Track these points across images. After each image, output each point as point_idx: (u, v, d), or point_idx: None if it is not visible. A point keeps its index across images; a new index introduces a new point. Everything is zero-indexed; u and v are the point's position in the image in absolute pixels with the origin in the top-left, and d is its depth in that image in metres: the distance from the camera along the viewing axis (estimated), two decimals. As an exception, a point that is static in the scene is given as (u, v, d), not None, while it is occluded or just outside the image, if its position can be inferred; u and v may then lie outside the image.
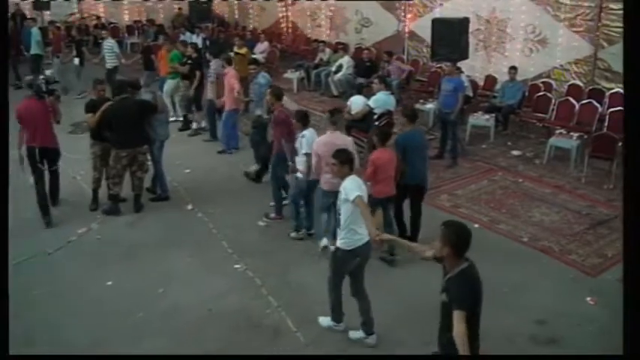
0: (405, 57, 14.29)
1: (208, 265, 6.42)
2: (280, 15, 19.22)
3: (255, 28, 19.96)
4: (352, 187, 4.81)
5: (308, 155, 6.53)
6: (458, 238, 3.49)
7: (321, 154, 6.18)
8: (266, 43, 16.00)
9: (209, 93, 10.54)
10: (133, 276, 6.22)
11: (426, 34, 13.74)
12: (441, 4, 13.47)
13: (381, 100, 8.71)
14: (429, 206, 7.31)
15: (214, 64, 10.60)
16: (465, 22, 9.49)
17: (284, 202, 7.51)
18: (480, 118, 10.39)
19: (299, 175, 6.80)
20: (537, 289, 5.93)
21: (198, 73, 11.09)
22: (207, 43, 16.65)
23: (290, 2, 18.73)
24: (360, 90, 9.95)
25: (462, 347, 3.33)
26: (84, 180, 8.63)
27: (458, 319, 3.36)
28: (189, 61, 11.22)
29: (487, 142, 10.36)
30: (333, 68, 13.85)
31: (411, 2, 14.15)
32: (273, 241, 6.94)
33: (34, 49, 14.27)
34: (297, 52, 17.58)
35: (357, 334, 5.15)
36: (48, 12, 17.99)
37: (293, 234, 7.05)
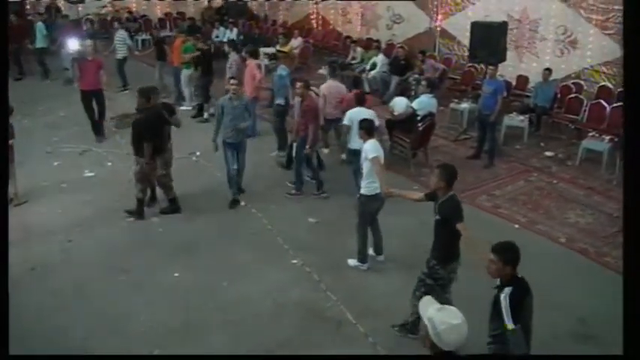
0: (436, 55, 14.62)
1: (267, 260, 6.88)
2: (310, 10, 19.56)
3: (285, 22, 20.35)
4: (371, 149, 6.30)
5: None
6: (449, 175, 4.98)
7: (327, 95, 8.90)
8: (300, 39, 16.37)
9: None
10: (198, 269, 6.69)
11: (457, 32, 14.20)
12: (473, 3, 13.77)
13: (424, 103, 9.15)
14: (469, 206, 7.74)
15: (233, 55, 11.48)
16: (503, 25, 9.88)
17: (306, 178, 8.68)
18: (515, 119, 10.75)
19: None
20: (576, 289, 6.29)
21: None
22: (242, 37, 17.11)
23: (321, -3, 19.10)
24: (403, 91, 10.33)
25: (470, 243, 4.83)
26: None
27: (462, 228, 4.87)
28: (197, 52, 12.09)
29: (520, 143, 10.73)
30: (368, 66, 14.23)
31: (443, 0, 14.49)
32: (325, 238, 7.38)
33: (39, 43, 14.94)
34: (327, 47, 17.95)
35: (353, 261, 6.69)
36: (81, 6, 18.60)
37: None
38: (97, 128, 10.84)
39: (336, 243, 7.22)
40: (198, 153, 10.09)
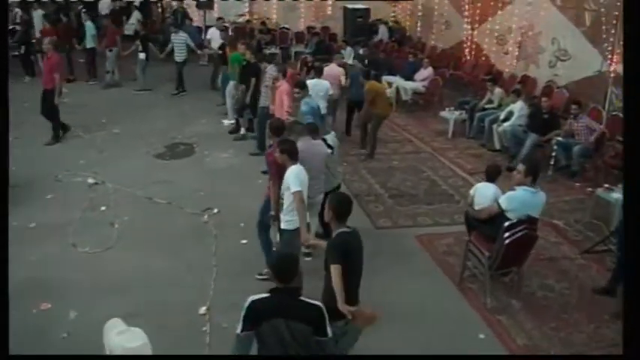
0: (605, 108, 10.57)
1: None
2: (465, 35, 16.18)
3: (435, 48, 17.25)
4: (294, 180, 5.19)
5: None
6: (338, 204, 4.19)
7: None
8: (430, 69, 13.19)
9: (263, 99, 9.90)
10: None
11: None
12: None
13: (518, 200, 5.50)
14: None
15: (270, 69, 9.84)
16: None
17: None
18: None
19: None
20: None
21: (253, 80, 10.27)
22: (366, 61, 14.39)
23: (477, 20, 15.61)
24: (492, 174, 6.37)
25: (339, 294, 3.92)
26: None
27: (333, 272, 4.00)
28: (243, 65, 10.52)
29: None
30: (502, 115, 10.61)
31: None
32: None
33: (89, 43, 14.27)
34: (474, 82, 14.51)
35: None
36: (216, 13, 17.58)
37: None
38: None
39: None
40: (215, 210, 7.68)
